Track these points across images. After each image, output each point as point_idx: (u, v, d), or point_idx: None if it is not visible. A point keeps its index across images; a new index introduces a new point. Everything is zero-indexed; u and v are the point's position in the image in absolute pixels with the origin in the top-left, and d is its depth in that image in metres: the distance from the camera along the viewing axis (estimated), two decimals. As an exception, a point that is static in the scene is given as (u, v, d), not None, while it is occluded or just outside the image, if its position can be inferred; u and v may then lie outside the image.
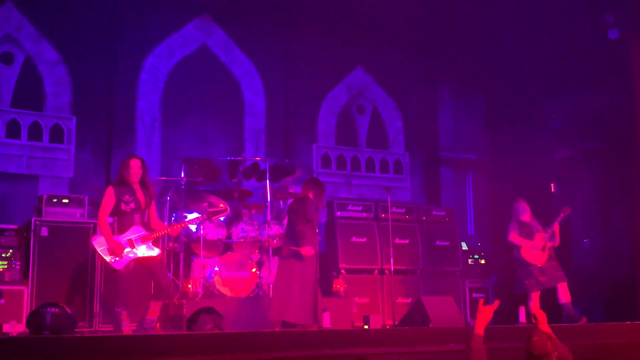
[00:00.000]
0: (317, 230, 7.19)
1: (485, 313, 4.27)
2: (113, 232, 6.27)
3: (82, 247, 7.67)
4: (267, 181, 8.45)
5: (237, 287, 7.90)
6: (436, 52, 11.57)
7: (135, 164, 6.38)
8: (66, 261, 7.54)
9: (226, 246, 8.38)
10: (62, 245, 7.56)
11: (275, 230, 8.39)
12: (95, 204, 8.03)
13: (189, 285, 7.96)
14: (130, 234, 6.25)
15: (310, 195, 7.02)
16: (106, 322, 7.49)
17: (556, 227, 8.09)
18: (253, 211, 8.69)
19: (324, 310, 6.54)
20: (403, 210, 9.80)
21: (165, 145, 9.92)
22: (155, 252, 6.30)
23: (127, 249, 6.19)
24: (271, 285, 7.86)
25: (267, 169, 8.52)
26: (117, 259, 6.15)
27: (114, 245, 6.15)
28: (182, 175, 8.29)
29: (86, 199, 8.01)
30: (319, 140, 11.14)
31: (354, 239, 9.18)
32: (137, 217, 6.29)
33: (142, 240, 6.25)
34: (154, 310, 6.36)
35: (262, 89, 10.76)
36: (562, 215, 8.10)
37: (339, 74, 11.37)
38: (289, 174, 8.92)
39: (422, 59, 11.71)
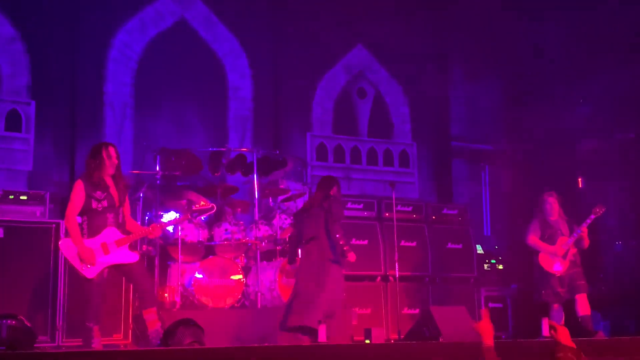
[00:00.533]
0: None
1: (485, 325, 4.30)
2: (83, 235, 6.14)
3: (43, 251, 7.63)
4: (255, 175, 8.46)
5: (220, 296, 7.91)
6: (448, 27, 11.60)
7: (113, 153, 6.26)
8: (25, 266, 7.51)
9: (208, 250, 8.39)
10: (20, 249, 7.53)
11: (263, 231, 8.40)
12: (58, 202, 8.03)
13: (165, 295, 7.97)
14: (104, 238, 6.15)
15: (334, 192, 7.13)
16: (71, 337, 7.49)
17: (584, 230, 7.91)
18: (238, 210, 8.70)
19: (320, 322, 6.56)
20: (410, 208, 9.83)
21: (137, 134, 9.92)
22: (133, 258, 6.25)
23: (100, 255, 6.11)
24: (259, 294, 7.88)
25: (255, 161, 8.53)
26: (88, 266, 6.06)
27: (84, 251, 6.03)
28: (157, 168, 8.28)
29: (47, 195, 7.99)
30: (313, 129, 11.15)
31: (354, 241, 9.18)
32: (110, 216, 6.18)
33: (118, 244, 6.17)
34: (152, 319, 6.25)
35: (249, 70, 10.77)
36: (593, 216, 7.90)
37: (336, 52, 11.38)
38: (279, 167, 8.93)
39: (432, 36, 11.73)
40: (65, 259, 6.20)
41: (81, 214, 6.20)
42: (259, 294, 8.02)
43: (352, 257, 7.10)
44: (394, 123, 11.79)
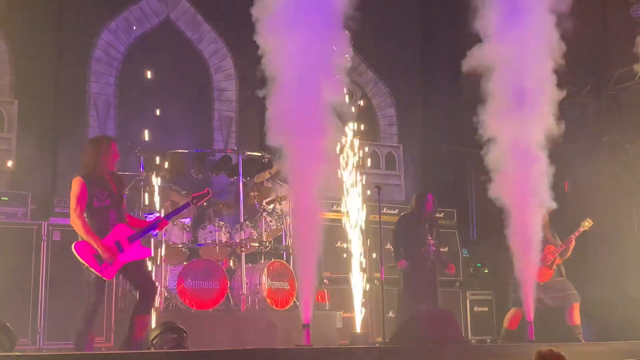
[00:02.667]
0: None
1: None
2: None
3: (25, 252, 7.62)
4: (240, 177, 8.45)
5: (204, 299, 7.89)
6: (436, 28, 11.62)
7: (115, 148, 5.99)
8: (6, 268, 7.49)
9: (191, 252, 8.37)
10: (1, 250, 7.51)
11: (248, 233, 8.39)
12: (40, 202, 7.99)
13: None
14: (116, 236, 5.82)
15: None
16: (52, 340, 7.47)
17: (572, 242, 7.95)
18: (223, 212, 8.68)
19: (305, 325, 6.56)
20: (396, 211, 9.86)
21: (121, 134, 9.87)
22: (147, 253, 6.08)
23: (117, 254, 5.79)
24: (244, 297, 7.87)
25: (240, 163, 8.52)
26: (109, 266, 5.73)
27: (105, 249, 5.69)
28: (141, 169, 8.25)
29: (29, 196, 7.96)
30: (299, 131, 11.13)
31: (339, 243, 9.21)
32: (112, 214, 5.88)
33: (130, 240, 5.88)
34: (142, 326, 5.95)
35: (234, 71, 10.75)
36: (581, 229, 7.96)
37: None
38: (264, 169, 8.92)
39: (419, 36, 11.75)
40: (81, 261, 5.72)
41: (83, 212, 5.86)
42: (244, 296, 8.00)
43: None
44: (381, 125, 11.81)
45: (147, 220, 7.41)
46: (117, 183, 6.03)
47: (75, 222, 5.77)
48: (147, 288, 6.02)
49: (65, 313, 7.41)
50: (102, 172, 5.92)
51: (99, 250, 5.70)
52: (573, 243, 7.97)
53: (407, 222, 8.68)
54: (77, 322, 5.82)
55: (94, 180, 5.86)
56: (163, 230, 7.88)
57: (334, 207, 9.42)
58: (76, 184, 5.80)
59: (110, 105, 9.98)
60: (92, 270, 5.73)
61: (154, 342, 5.87)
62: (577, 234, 7.98)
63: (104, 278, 5.79)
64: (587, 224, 8.00)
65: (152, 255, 6.14)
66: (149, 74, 9.84)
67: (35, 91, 9.38)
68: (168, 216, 6.49)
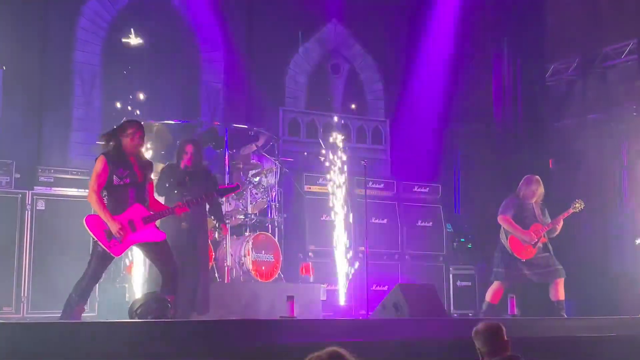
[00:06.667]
0: None
1: None
2: None
3: (9, 221, 7.59)
4: (226, 149, 8.42)
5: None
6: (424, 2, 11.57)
7: (139, 134, 5.97)
8: (-11, 236, 7.47)
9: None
10: (-16, 218, 7.48)
11: (234, 205, 8.39)
12: (25, 171, 7.94)
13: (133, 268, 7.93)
14: (130, 215, 5.87)
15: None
16: (36, 309, 7.48)
17: (560, 222, 7.89)
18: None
19: (289, 297, 6.59)
20: (381, 185, 9.89)
21: (107, 105, 9.82)
22: (160, 236, 6.03)
23: (128, 232, 5.82)
24: (228, 269, 7.89)
25: (226, 135, 8.49)
26: (119, 243, 5.78)
27: (115, 226, 5.73)
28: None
29: (13, 164, 7.90)
30: (286, 104, 11.12)
31: (324, 217, 9.24)
32: (132, 192, 5.91)
33: (145, 222, 5.91)
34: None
35: (222, 41, 10.67)
36: (571, 210, 7.88)
37: (311, 26, 11.32)
38: (250, 142, 8.90)
39: (409, 10, 11.69)
40: (90, 235, 5.78)
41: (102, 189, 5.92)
42: (228, 268, 8.02)
43: None
44: (368, 99, 11.79)
45: None
46: (142, 166, 6.06)
47: (92, 197, 5.84)
48: (167, 268, 6.07)
49: (49, 282, 7.42)
50: (125, 154, 5.96)
51: (108, 224, 5.76)
52: (561, 223, 7.94)
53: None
54: (70, 291, 5.86)
55: (117, 159, 5.91)
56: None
57: (320, 181, 9.43)
58: (99, 162, 5.90)
59: (95, 74, 9.89)
60: (100, 244, 5.78)
61: (137, 311, 5.89)
62: (566, 214, 7.90)
63: (111, 254, 5.83)
64: (578, 205, 7.92)
65: (165, 239, 6.05)
66: (135, 42, 9.72)
67: (20, 59, 9.24)
68: (188, 204, 6.35)
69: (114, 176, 5.88)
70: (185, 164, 7.00)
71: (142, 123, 6.28)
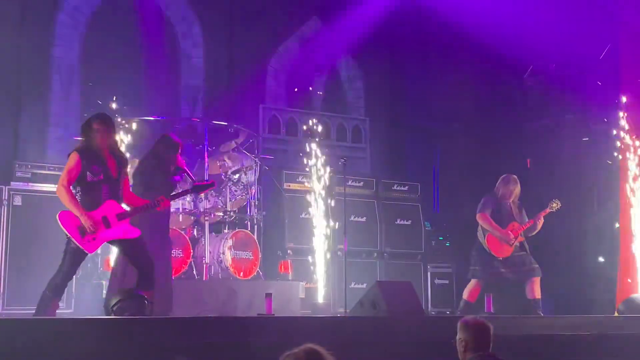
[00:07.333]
0: None
1: None
2: None
3: (-17, 216, 7.52)
4: (205, 145, 8.39)
5: (167, 267, 7.84)
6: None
7: (105, 128, 5.88)
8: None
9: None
10: (-41, 214, 7.41)
11: (213, 203, 8.36)
12: (1, 167, 7.87)
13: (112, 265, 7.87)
14: (104, 211, 5.80)
15: None
16: (12, 305, 7.41)
17: (540, 220, 7.98)
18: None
19: (267, 295, 6.59)
20: (361, 184, 9.90)
21: (85, 101, 9.72)
22: (134, 233, 5.97)
23: (102, 229, 5.75)
24: (207, 266, 7.86)
25: (205, 131, 8.46)
26: (92, 239, 5.71)
27: (89, 222, 5.67)
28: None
29: (-11, 160, 7.83)
30: (266, 101, 11.09)
31: (303, 214, 9.24)
32: (105, 188, 5.84)
33: (119, 218, 5.85)
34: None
35: (202, 38, 10.64)
36: (548, 210, 7.99)
37: (292, 24, 11.31)
38: (230, 139, 8.88)
39: (389, 9, 11.71)
40: (63, 231, 5.70)
41: (74, 185, 5.86)
42: (207, 265, 7.99)
43: None
44: (348, 98, 11.79)
45: None
46: (117, 161, 5.99)
47: (61, 191, 5.76)
48: (142, 264, 6.01)
49: (25, 278, 7.36)
50: (98, 149, 5.88)
51: (81, 219, 5.68)
52: (542, 221, 8.02)
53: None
54: (44, 287, 5.80)
55: (90, 155, 5.84)
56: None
57: (300, 179, 9.42)
58: (72, 158, 5.83)
59: (74, 70, 9.81)
60: (74, 240, 5.71)
61: (114, 308, 5.85)
62: (543, 214, 8.00)
63: (84, 250, 5.77)
64: (555, 205, 8.04)
65: (140, 236, 5.98)
66: (114, 39, 9.68)
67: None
68: (171, 198, 6.37)
69: (88, 172, 5.81)
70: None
71: (108, 116, 6.14)
